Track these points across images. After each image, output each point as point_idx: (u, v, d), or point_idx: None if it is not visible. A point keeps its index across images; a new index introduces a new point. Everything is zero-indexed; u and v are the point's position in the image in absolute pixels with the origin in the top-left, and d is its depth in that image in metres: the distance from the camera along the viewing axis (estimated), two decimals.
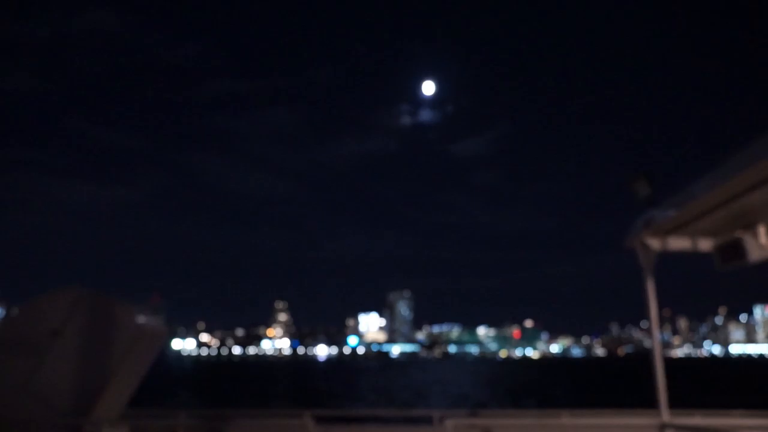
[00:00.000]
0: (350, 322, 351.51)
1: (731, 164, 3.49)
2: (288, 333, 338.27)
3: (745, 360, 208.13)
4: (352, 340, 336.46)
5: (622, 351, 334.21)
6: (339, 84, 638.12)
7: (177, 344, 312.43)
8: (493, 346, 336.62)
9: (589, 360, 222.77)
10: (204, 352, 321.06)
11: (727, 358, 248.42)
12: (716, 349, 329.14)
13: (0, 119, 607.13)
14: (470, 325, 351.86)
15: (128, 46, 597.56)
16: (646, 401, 5.49)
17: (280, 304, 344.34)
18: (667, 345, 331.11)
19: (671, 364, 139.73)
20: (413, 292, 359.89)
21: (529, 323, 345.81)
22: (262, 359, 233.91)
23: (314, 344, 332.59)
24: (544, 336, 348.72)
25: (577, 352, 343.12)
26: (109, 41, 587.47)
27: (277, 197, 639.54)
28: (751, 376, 69.80)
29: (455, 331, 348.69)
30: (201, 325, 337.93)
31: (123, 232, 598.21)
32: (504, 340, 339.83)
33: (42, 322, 5.22)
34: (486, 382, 59.41)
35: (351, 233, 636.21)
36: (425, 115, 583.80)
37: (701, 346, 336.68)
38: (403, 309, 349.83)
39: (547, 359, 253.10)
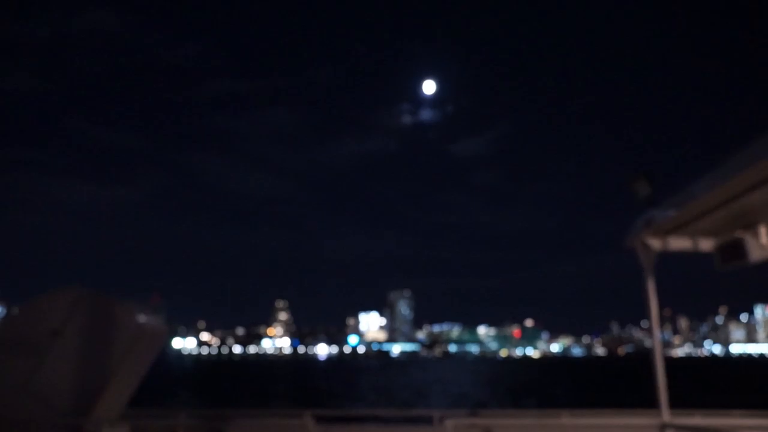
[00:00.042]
0: (350, 322, 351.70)
1: (732, 164, 3.49)
2: (288, 332, 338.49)
3: (746, 360, 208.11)
4: (353, 339, 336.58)
5: (623, 350, 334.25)
6: (339, 84, 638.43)
7: (177, 343, 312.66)
8: (493, 345, 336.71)
9: (590, 359, 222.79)
10: (204, 351, 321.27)
11: (728, 358, 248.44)
12: (717, 349, 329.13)
13: (0, 119, 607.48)
14: (470, 325, 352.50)
15: (128, 46, 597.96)
16: (647, 401, 5.49)
17: (280, 303, 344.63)
18: (667, 344, 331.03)
19: (672, 363, 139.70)
20: (413, 292, 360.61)
21: (529, 323, 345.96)
22: (263, 358, 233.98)
23: (315, 343, 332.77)
24: (545, 335, 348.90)
25: (577, 351, 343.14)
26: (109, 41, 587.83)
27: (278, 197, 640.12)
28: (751, 376, 69.80)
29: (455, 331, 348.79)
30: (201, 324, 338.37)
31: (123, 232, 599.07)
32: (504, 340, 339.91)
33: (42, 322, 5.22)
34: (486, 381, 59.42)
35: (351, 233, 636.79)
36: (425, 114, 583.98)
37: (702, 346, 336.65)
38: (404, 308, 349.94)
39: (547, 359, 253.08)
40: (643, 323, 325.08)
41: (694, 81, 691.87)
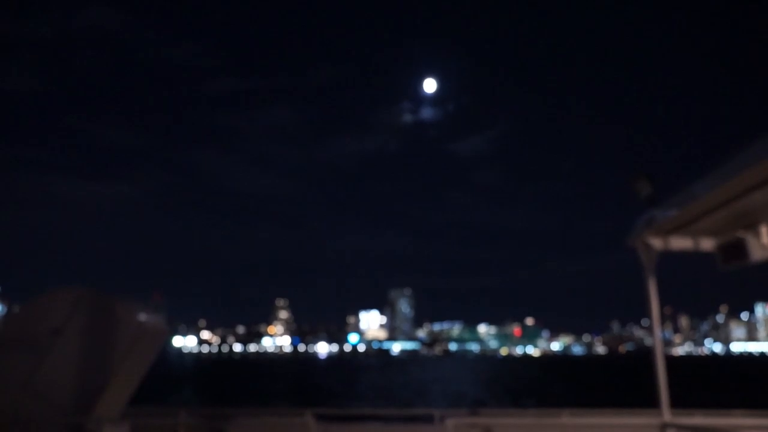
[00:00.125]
0: (351, 320, 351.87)
1: (733, 164, 3.49)
2: (289, 330, 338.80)
3: (747, 358, 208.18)
4: (353, 337, 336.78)
5: (623, 349, 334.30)
6: (340, 82, 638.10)
7: (178, 342, 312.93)
8: (493, 343, 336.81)
9: (590, 358, 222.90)
10: (205, 349, 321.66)
11: (729, 357, 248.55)
12: (717, 348, 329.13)
13: (0, 118, 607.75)
14: (471, 323, 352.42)
15: (129, 45, 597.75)
16: (647, 400, 5.49)
17: (280, 302, 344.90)
18: (668, 343, 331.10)
19: (672, 362, 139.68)
20: (414, 290, 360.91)
21: (530, 321, 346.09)
22: (263, 357, 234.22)
23: (315, 342, 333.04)
24: (545, 334, 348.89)
25: (578, 350, 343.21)
26: (110, 40, 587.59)
27: (279, 195, 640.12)
28: (752, 375, 69.83)
29: (456, 329, 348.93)
30: (202, 322, 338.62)
31: (124, 230, 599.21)
32: (505, 338, 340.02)
33: (43, 321, 5.23)
34: (487, 380, 59.47)
35: (352, 231, 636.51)
36: (426, 113, 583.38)
37: (702, 344, 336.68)
38: (404, 306, 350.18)
39: (547, 357, 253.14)
40: (644, 322, 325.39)
41: (694, 81, 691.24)
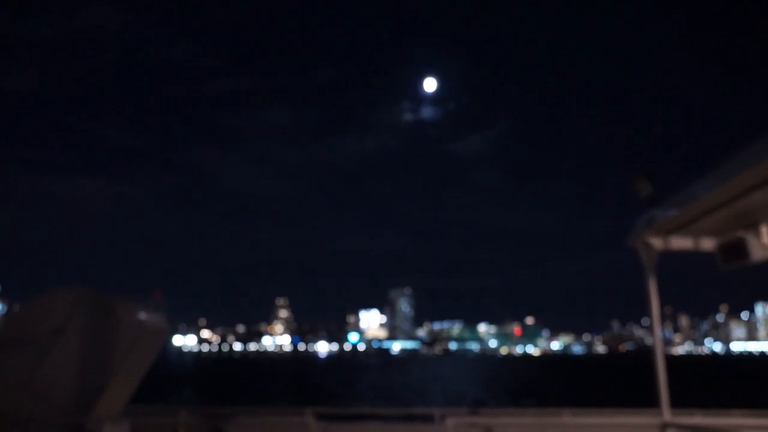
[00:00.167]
0: (351, 319, 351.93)
1: (733, 164, 3.48)
2: (289, 329, 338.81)
3: (747, 358, 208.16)
4: (353, 336, 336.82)
5: (623, 348, 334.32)
6: (340, 82, 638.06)
7: (178, 341, 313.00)
8: (493, 343, 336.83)
9: (590, 357, 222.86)
10: (205, 348, 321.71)
11: (729, 356, 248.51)
12: (717, 347, 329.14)
13: (0, 118, 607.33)
14: (471, 322, 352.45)
15: (129, 44, 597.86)
16: (647, 399, 5.49)
17: (281, 301, 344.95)
18: (668, 342, 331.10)
19: (672, 361, 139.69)
20: (414, 289, 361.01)
21: (530, 320, 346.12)
22: (263, 356, 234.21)
23: (315, 341, 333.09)
24: (545, 333, 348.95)
25: (578, 349, 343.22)
26: (110, 39, 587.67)
27: (279, 195, 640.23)
28: (752, 374, 69.83)
29: (456, 328, 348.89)
30: (202, 321, 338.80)
31: (124, 230, 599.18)
32: (505, 337, 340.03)
33: (43, 320, 5.22)
34: (487, 379, 59.47)
35: (352, 230, 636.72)
36: (426, 112, 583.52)
37: (702, 344, 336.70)
38: (404, 306, 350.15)
39: (548, 356, 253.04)
40: (644, 321, 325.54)
41: (694, 81, 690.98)
